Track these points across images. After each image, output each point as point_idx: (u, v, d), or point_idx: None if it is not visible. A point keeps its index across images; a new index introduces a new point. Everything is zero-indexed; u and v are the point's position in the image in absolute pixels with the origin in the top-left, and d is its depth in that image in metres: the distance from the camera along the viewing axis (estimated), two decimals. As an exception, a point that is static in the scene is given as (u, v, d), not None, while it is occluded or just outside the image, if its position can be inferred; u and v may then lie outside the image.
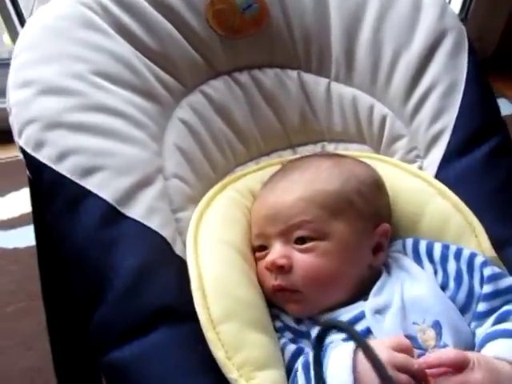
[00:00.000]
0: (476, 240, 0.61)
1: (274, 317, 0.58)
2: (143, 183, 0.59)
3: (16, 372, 0.90)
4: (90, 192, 0.57)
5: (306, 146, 0.78)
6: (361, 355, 0.48)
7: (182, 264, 0.57)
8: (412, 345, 0.50)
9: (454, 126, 0.69)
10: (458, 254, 0.59)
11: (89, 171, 0.57)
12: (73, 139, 0.58)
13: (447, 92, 0.70)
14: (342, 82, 0.76)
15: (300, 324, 0.58)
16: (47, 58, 0.62)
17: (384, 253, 0.61)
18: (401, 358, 0.48)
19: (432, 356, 0.49)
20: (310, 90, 0.76)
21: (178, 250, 0.59)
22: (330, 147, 0.78)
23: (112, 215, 0.56)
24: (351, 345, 0.49)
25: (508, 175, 0.68)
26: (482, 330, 0.55)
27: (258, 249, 0.61)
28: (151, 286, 0.54)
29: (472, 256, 0.58)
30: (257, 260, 0.61)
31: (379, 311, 0.55)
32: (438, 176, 0.68)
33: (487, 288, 0.56)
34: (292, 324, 0.58)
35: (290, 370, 0.53)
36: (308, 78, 0.76)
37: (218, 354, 0.51)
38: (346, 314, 0.56)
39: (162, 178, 0.62)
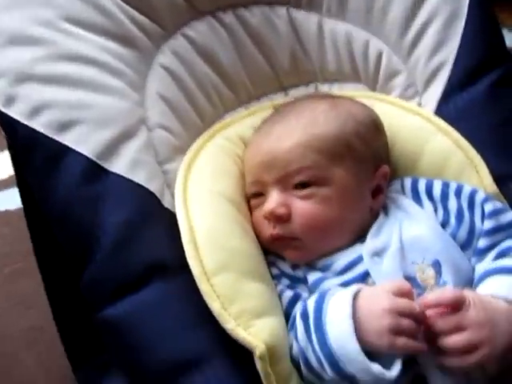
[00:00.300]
0: (477, 176, 0.59)
1: (270, 264, 0.57)
2: (125, 135, 0.56)
3: (18, 332, 0.91)
4: (68, 148, 0.54)
5: (298, 87, 0.74)
6: (361, 301, 0.47)
7: (171, 217, 0.55)
8: (411, 285, 0.49)
9: (456, 58, 0.66)
10: (458, 192, 0.58)
11: (65, 126, 0.54)
12: (45, 92, 0.55)
13: (448, 22, 0.66)
14: (334, 18, 0.71)
15: (296, 270, 0.57)
16: (9, 4, 0.57)
17: (383, 195, 0.59)
18: (403, 303, 0.47)
19: (429, 296, 0.48)
20: (301, 28, 0.72)
21: (166, 203, 0.57)
22: (324, 88, 0.74)
23: (94, 171, 0.54)
24: (350, 291, 0.48)
25: (511, 108, 0.65)
26: (481, 266, 0.54)
27: (253, 196, 0.59)
28: (140, 241, 0.53)
29: (473, 192, 0.57)
30: (252, 208, 0.59)
31: (377, 253, 0.54)
32: (437, 112, 0.65)
33: (488, 224, 0.55)
34: (288, 270, 0.57)
35: (287, 316, 0.53)
36: (298, 14, 0.72)
37: (214, 305, 0.50)
38: (343, 259, 0.55)
39: (146, 128, 0.59)
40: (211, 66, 0.68)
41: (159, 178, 0.58)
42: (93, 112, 0.55)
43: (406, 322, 0.46)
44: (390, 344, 0.46)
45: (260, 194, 0.58)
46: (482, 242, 0.55)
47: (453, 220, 0.57)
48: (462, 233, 0.56)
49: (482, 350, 0.46)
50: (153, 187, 0.56)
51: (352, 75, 0.73)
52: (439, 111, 0.65)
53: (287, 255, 0.57)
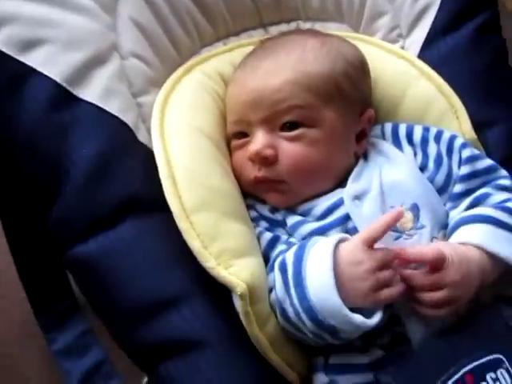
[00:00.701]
0: (457, 122, 0.59)
1: (249, 207, 0.56)
2: (96, 60, 0.52)
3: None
4: (32, 70, 0.49)
5: (279, 25, 0.71)
6: (342, 250, 0.46)
7: (147, 153, 0.52)
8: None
9: (441, 1, 0.64)
10: (438, 137, 0.57)
11: (29, 44, 0.49)
12: (6, 5, 0.49)
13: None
14: (318, -51, 0.67)
15: (275, 213, 0.55)
16: None
17: (366, 140, 0.58)
18: (380, 257, 0.46)
19: (410, 251, 0.48)
20: (284, -42, 0.68)
21: (141, 137, 0.53)
22: (305, 27, 0.71)
23: (62, 97, 0.50)
24: (331, 240, 0.47)
25: (494, 54, 0.65)
26: (455, 213, 0.54)
27: (236, 136, 0.56)
28: (114, 175, 0.50)
29: (452, 138, 0.57)
30: (233, 149, 0.57)
31: (358, 197, 0.53)
32: (420, 56, 0.64)
33: (464, 169, 0.55)
34: (267, 213, 0.55)
35: (266, 258, 0.52)
36: None
37: (194, 243, 0.48)
38: (324, 202, 0.54)
39: (118, 56, 0.55)
40: (187, -9, 0.63)
41: (133, 110, 0.54)
42: (61, 31, 0.50)
43: (386, 274, 0.46)
44: (375, 301, 0.46)
45: (243, 134, 0.56)
46: (457, 187, 0.55)
47: (431, 164, 0.56)
48: (440, 177, 0.56)
49: (456, 304, 0.47)
50: (127, 119, 0.52)
51: (335, 14, 0.70)
52: (422, 56, 0.64)
53: (269, 198, 0.55)
